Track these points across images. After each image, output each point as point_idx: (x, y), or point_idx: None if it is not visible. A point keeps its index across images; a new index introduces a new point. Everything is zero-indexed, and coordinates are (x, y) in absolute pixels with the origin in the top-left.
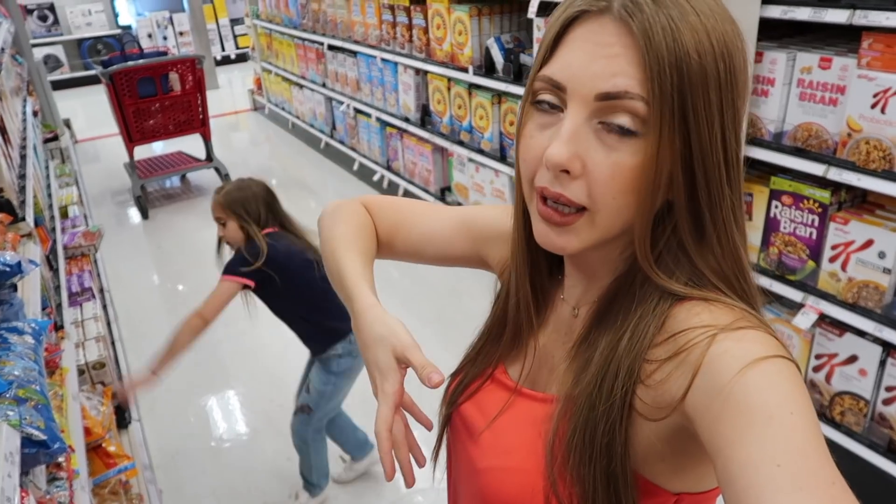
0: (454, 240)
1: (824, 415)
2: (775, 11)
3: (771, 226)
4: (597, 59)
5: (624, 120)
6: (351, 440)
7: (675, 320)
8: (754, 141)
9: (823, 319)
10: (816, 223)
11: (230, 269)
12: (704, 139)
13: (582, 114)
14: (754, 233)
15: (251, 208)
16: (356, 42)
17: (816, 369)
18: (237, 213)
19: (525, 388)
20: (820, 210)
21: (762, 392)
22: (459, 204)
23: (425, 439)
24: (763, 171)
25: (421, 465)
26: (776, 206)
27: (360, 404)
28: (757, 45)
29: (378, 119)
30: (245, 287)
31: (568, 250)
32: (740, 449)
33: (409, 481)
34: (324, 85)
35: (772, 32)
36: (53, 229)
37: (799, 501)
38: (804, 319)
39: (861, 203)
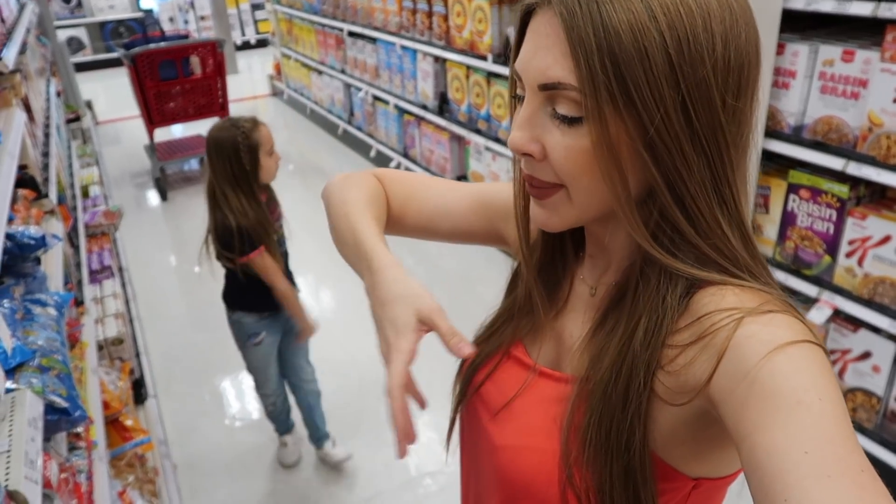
0: (470, 215)
1: None
2: (798, 3)
3: (788, 219)
4: (538, 52)
5: (564, 108)
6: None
7: (700, 304)
8: (773, 134)
9: (838, 315)
10: (834, 218)
11: (250, 248)
12: (654, 115)
13: (533, 102)
14: (771, 226)
15: (215, 164)
16: (376, 28)
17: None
18: (212, 164)
19: (543, 367)
20: (838, 205)
21: (789, 377)
22: None
23: (434, 422)
24: (781, 165)
25: (422, 406)
26: (793, 200)
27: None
28: (779, 36)
29: (396, 106)
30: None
31: (551, 226)
32: (767, 434)
33: (403, 451)
34: (343, 71)
35: (795, 24)
36: (75, 208)
37: (827, 488)
38: (818, 314)
39: (880, 198)
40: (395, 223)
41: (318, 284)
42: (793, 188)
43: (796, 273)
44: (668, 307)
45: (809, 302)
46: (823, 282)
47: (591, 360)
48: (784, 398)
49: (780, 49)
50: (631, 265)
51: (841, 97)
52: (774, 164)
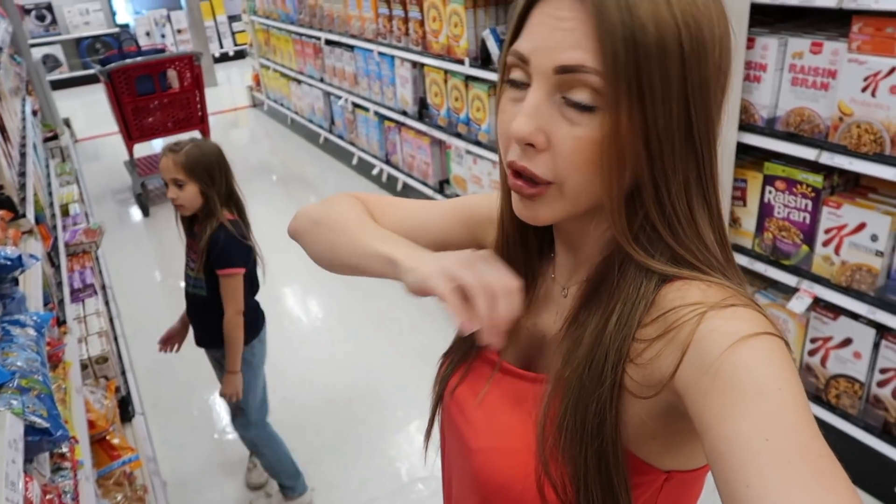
0: (450, 227)
1: (820, 398)
2: None
3: (765, 211)
4: (555, 33)
5: (582, 95)
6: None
7: (665, 299)
8: (747, 127)
9: (818, 303)
10: (810, 208)
11: (227, 262)
12: (659, 112)
13: (544, 88)
14: (749, 218)
15: (216, 176)
16: (353, 36)
17: (812, 353)
18: (201, 178)
19: (515, 368)
20: (813, 195)
21: (751, 368)
22: (458, 196)
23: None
24: (756, 157)
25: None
26: (770, 192)
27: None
28: (749, 31)
29: (376, 113)
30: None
31: (539, 221)
32: (729, 424)
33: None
34: (322, 80)
35: (764, 18)
36: (55, 227)
37: (788, 475)
38: (799, 303)
39: (854, 187)
40: None
41: (304, 294)
42: (768, 180)
43: (775, 263)
44: (640, 299)
45: (789, 291)
46: (802, 271)
47: (565, 355)
48: (745, 389)
49: (751, 43)
50: (602, 261)
51: (811, 88)
52: (749, 156)
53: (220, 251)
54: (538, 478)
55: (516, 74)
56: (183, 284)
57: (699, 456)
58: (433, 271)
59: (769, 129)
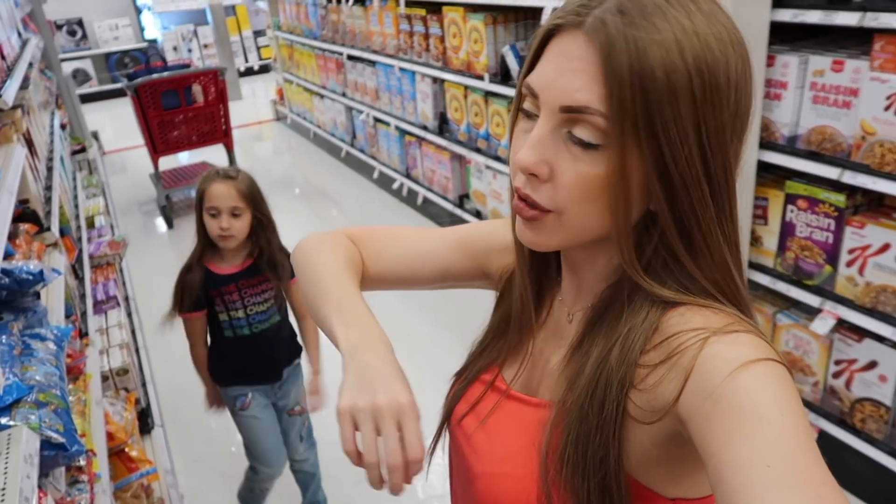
0: (452, 256)
1: (844, 422)
2: (785, 15)
3: (787, 230)
4: (564, 73)
5: (585, 133)
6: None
7: (668, 324)
8: (768, 145)
9: (842, 325)
10: (832, 227)
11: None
12: (678, 154)
13: (550, 122)
14: (770, 237)
15: (265, 201)
16: (375, 52)
17: (836, 375)
18: (259, 205)
19: (518, 392)
20: (836, 214)
21: (752, 394)
22: (478, 211)
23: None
24: (778, 175)
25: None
26: (791, 211)
27: None
28: (768, 48)
29: (397, 127)
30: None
31: (538, 246)
32: (730, 450)
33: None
34: (344, 94)
35: (785, 36)
36: (80, 239)
37: (787, 500)
38: (822, 325)
39: (878, 206)
40: (374, 278)
41: None
42: (790, 198)
43: (798, 283)
44: (645, 326)
45: (812, 312)
46: (825, 292)
47: (568, 383)
48: (747, 414)
49: (771, 61)
50: (607, 287)
51: (833, 107)
52: (771, 174)
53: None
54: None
55: (528, 105)
56: (234, 332)
57: (705, 485)
58: (346, 409)
59: (790, 148)
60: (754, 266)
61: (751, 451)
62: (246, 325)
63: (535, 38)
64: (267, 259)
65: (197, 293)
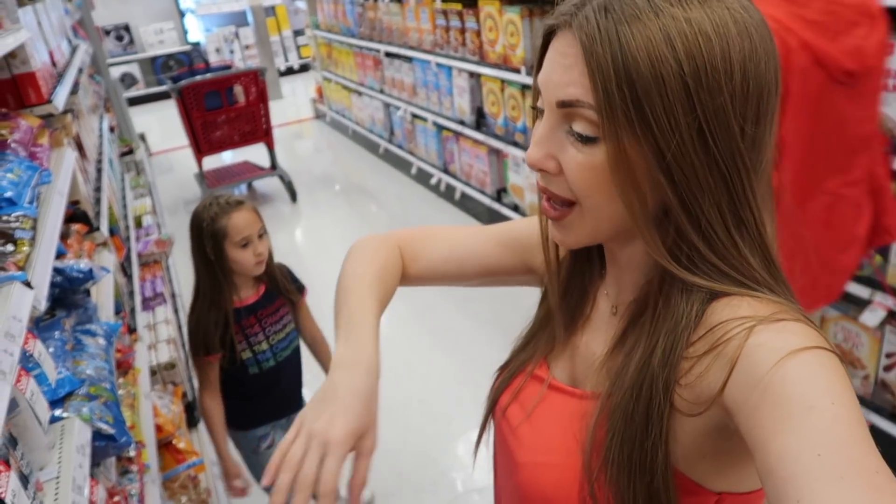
0: (498, 252)
1: None
2: None
3: None
4: (557, 69)
5: (581, 127)
6: None
7: (713, 315)
8: None
9: (893, 316)
10: None
11: (301, 285)
12: (672, 141)
13: (551, 118)
14: None
15: None
16: (411, 48)
17: (887, 368)
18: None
19: (563, 384)
20: None
21: (801, 382)
22: (516, 205)
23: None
24: None
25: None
26: None
27: None
28: None
29: (434, 123)
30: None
31: (567, 244)
32: (779, 439)
33: None
34: (381, 91)
35: None
36: (128, 238)
37: (841, 490)
38: (872, 317)
39: None
40: (420, 276)
41: None
42: None
43: None
44: (685, 323)
45: (862, 304)
46: (875, 282)
47: (611, 378)
48: (796, 403)
49: None
50: (648, 282)
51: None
52: None
53: (293, 277)
54: (582, 497)
55: (540, 102)
56: (259, 367)
57: (752, 478)
58: (299, 418)
59: None
60: None
61: (801, 440)
62: (271, 357)
63: (539, 39)
64: (278, 280)
65: (214, 335)
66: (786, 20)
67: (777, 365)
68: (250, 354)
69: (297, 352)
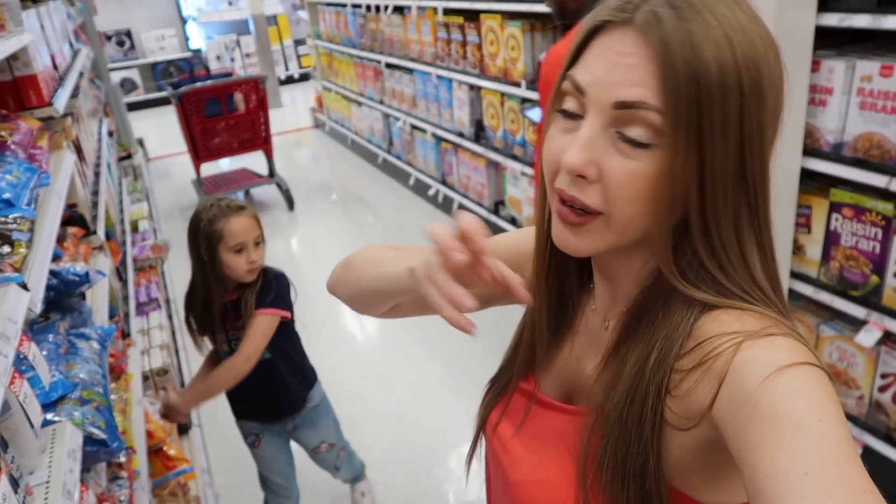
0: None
1: (890, 437)
2: (832, 19)
3: (831, 239)
4: (616, 68)
5: (638, 132)
6: None
7: (703, 328)
8: (812, 152)
9: (889, 337)
10: (879, 236)
11: (273, 302)
12: (717, 153)
13: (600, 121)
14: (814, 246)
15: None
16: (412, 59)
17: (882, 389)
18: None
19: (554, 400)
20: (883, 223)
21: (790, 399)
22: (513, 218)
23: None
24: (822, 183)
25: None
26: (836, 219)
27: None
28: (813, 53)
29: (433, 134)
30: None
31: (581, 251)
32: (768, 456)
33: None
34: (381, 102)
35: (831, 40)
36: (124, 242)
37: None
38: (868, 337)
39: None
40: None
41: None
42: (835, 207)
43: (842, 294)
44: (680, 331)
45: (857, 324)
46: (871, 303)
47: (605, 390)
48: (785, 421)
49: (816, 66)
50: (641, 292)
51: (881, 112)
52: (815, 182)
53: (276, 293)
54: None
55: (569, 104)
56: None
57: (742, 491)
58: (421, 277)
59: (835, 155)
60: (797, 276)
61: (789, 458)
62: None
63: (580, 34)
64: (248, 302)
65: (198, 319)
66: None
67: (765, 381)
68: (227, 349)
69: (270, 366)
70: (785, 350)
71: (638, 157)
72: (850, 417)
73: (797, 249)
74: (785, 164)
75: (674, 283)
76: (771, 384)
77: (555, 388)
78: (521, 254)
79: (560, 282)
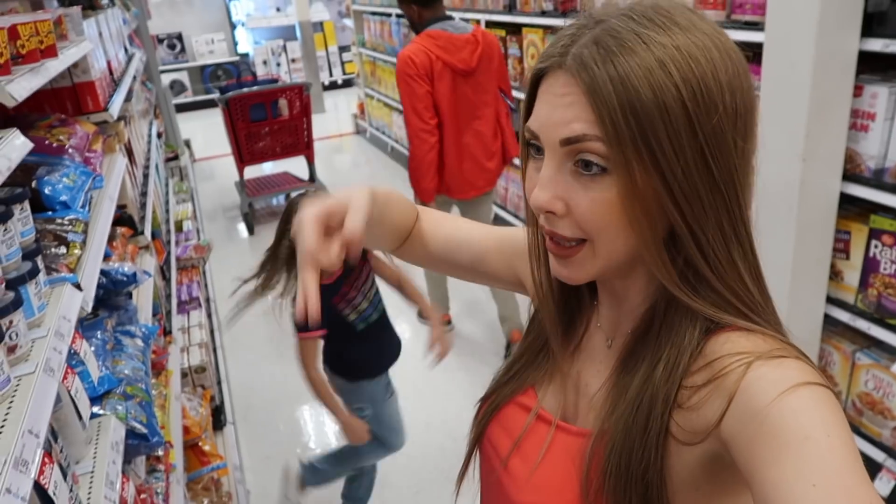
0: (490, 252)
1: None
2: (876, 45)
3: (870, 266)
4: (556, 110)
5: (590, 163)
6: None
7: (713, 348)
8: (852, 177)
9: None
10: None
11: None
12: (676, 167)
13: (555, 159)
14: (851, 272)
15: None
16: None
17: None
18: None
19: (558, 419)
20: None
21: (798, 415)
22: None
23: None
24: (862, 209)
25: None
26: (876, 246)
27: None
28: (856, 78)
29: None
30: None
31: (575, 280)
32: (775, 469)
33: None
34: None
35: (875, 65)
36: (169, 242)
37: None
38: None
39: None
40: (422, 242)
41: None
42: (874, 233)
43: (880, 322)
44: (687, 345)
45: (894, 353)
46: None
47: (609, 409)
48: (793, 435)
49: (858, 91)
50: (646, 310)
51: None
52: (855, 207)
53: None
54: None
55: (534, 144)
56: (366, 322)
57: None
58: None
59: (876, 181)
60: (833, 301)
61: (796, 469)
62: (374, 311)
63: (527, 85)
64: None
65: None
66: (431, 48)
67: (776, 399)
68: (356, 316)
69: (381, 320)
70: (795, 370)
71: (597, 186)
72: (884, 448)
73: (834, 275)
74: (824, 188)
75: (675, 292)
76: (781, 401)
77: (555, 401)
78: (522, 250)
79: (567, 300)
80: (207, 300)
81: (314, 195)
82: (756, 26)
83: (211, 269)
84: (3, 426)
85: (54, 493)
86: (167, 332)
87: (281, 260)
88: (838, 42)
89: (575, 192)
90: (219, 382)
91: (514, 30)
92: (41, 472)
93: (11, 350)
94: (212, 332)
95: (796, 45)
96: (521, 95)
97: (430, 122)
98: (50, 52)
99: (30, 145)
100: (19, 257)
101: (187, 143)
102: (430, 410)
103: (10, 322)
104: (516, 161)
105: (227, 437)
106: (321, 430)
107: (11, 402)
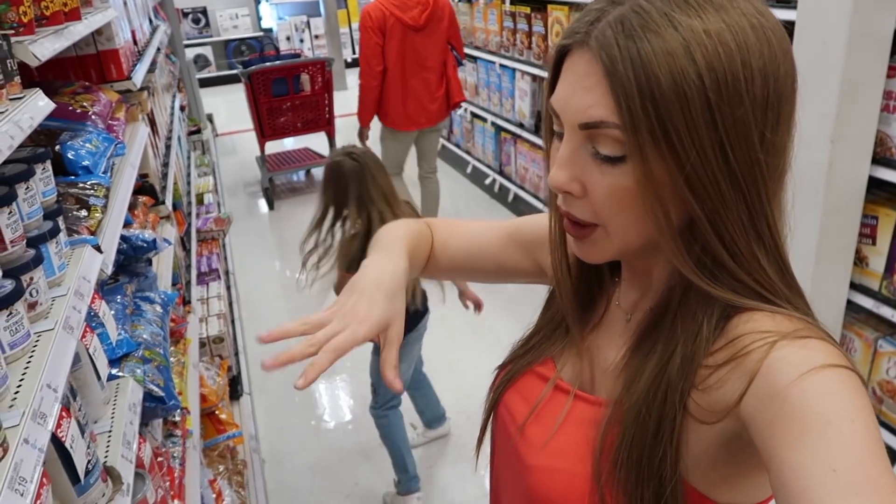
0: (507, 250)
1: None
2: None
3: None
4: (576, 91)
5: (608, 149)
6: (431, 409)
7: (736, 328)
8: (882, 161)
9: None
10: None
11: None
12: (694, 155)
13: (574, 140)
14: (877, 258)
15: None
16: (477, 48)
17: None
18: None
19: (576, 389)
20: None
21: (821, 398)
22: None
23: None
24: (891, 193)
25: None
26: None
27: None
28: (891, 58)
29: (493, 124)
30: None
31: (591, 260)
32: (795, 453)
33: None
34: None
35: None
36: (189, 214)
37: None
38: None
39: None
40: (442, 266)
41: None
42: None
43: None
44: (705, 333)
45: None
46: None
47: (625, 383)
48: (814, 418)
49: (892, 72)
50: (667, 290)
51: None
52: (883, 192)
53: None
54: (592, 502)
55: (557, 126)
56: None
57: (757, 490)
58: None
59: None
60: (856, 287)
61: (816, 454)
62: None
63: (550, 61)
64: None
65: (354, 256)
66: (386, 5)
67: (798, 380)
68: None
69: None
70: (819, 352)
71: (614, 172)
72: None
73: (859, 260)
74: (852, 171)
75: (692, 279)
76: (803, 382)
77: (574, 373)
78: (540, 238)
79: (588, 276)
80: (227, 272)
81: (358, 155)
82: (788, 3)
83: (231, 243)
84: (22, 380)
85: (71, 447)
86: (186, 302)
87: (327, 223)
88: (874, 21)
89: (592, 175)
90: (236, 353)
91: (540, 6)
92: (58, 425)
93: (32, 307)
94: (230, 303)
95: (830, 23)
96: (543, 74)
97: (376, 68)
98: (74, 14)
99: (52, 106)
100: (41, 216)
101: (210, 118)
102: (445, 389)
103: (31, 279)
104: (536, 140)
105: (243, 406)
106: (336, 403)
107: (31, 357)
